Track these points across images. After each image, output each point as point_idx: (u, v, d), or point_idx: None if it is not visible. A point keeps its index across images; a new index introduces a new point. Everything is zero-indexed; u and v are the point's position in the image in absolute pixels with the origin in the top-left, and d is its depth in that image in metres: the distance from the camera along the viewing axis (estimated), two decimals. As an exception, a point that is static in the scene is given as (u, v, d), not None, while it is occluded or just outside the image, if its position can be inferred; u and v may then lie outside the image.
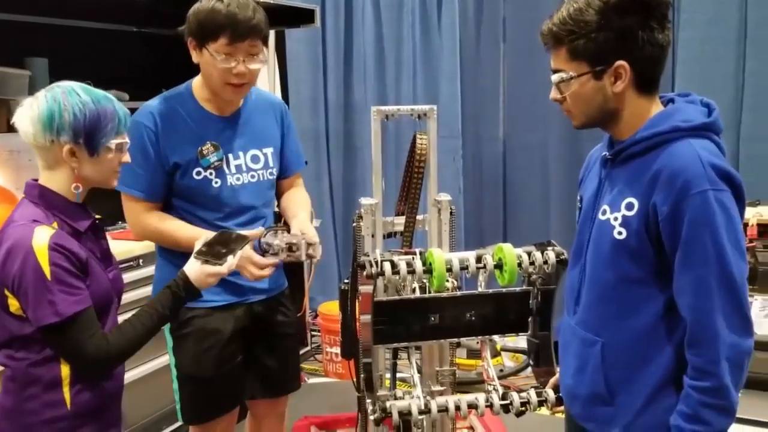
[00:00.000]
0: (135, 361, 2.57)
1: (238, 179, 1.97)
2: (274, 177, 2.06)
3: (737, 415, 1.31)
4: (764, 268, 2.35)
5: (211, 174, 1.94)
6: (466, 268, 1.71)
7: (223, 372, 2.01)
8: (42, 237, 1.39)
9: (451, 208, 2.30)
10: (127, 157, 1.55)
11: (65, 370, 1.46)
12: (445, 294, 1.83)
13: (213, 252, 1.63)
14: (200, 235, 1.76)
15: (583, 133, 3.68)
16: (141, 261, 2.58)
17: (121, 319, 1.56)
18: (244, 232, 1.79)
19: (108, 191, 1.70)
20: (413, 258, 1.71)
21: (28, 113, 1.43)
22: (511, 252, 1.68)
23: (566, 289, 1.53)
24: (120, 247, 2.64)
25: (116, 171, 1.54)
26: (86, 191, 1.53)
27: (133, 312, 1.53)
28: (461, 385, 2.52)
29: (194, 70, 2.03)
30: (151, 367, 2.65)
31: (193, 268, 1.59)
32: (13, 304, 1.43)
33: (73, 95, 1.44)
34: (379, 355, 2.26)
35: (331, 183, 4.41)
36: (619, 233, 1.33)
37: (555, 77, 1.37)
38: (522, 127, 3.94)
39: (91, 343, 1.43)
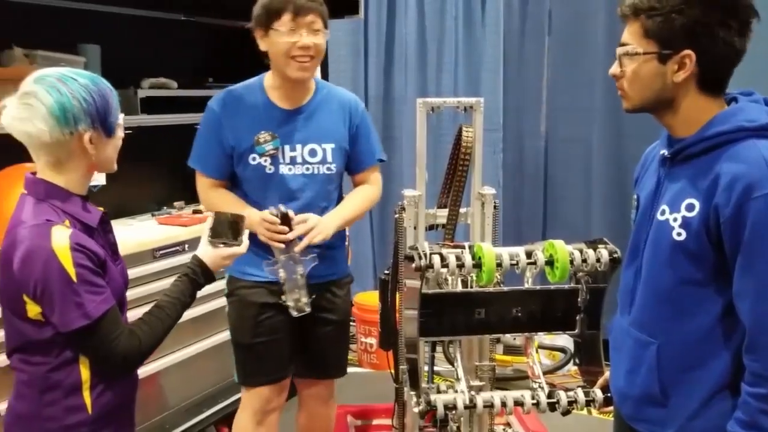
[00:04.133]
0: (171, 346, 2.61)
1: (290, 170, 2.06)
2: (333, 172, 2.12)
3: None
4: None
5: (265, 161, 2.04)
6: (516, 263, 1.70)
7: (262, 342, 2.11)
8: (61, 238, 1.33)
9: (494, 202, 2.29)
10: (121, 132, 1.49)
11: (85, 373, 1.42)
12: (492, 289, 1.82)
13: (224, 234, 1.63)
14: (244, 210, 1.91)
15: (628, 130, 3.68)
16: (186, 246, 2.61)
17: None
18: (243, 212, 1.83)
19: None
20: (462, 252, 1.71)
21: (31, 113, 1.33)
22: (563, 249, 1.67)
23: (620, 289, 1.51)
24: (167, 232, 2.69)
25: (118, 149, 1.49)
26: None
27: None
28: (498, 381, 2.52)
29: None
30: (193, 350, 2.68)
31: (207, 253, 1.58)
32: (33, 310, 1.36)
33: (70, 81, 1.37)
34: (419, 349, 2.26)
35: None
36: (679, 234, 1.31)
37: (620, 49, 1.35)
38: (565, 122, 3.89)
39: (121, 341, 1.40)
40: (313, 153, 2.08)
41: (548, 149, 3.97)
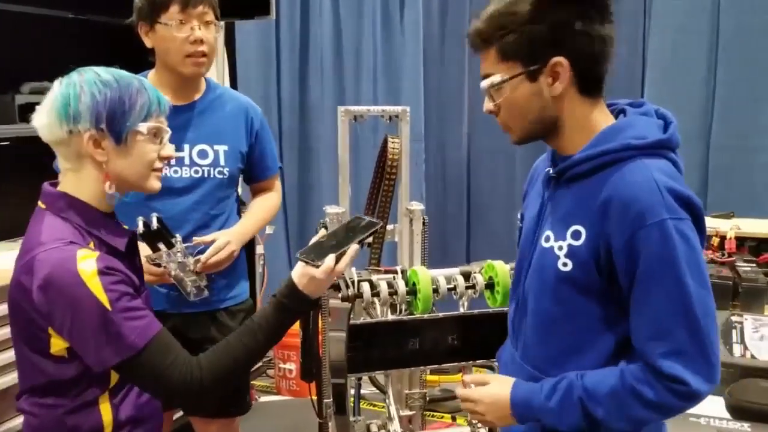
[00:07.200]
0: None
1: (176, 172, 1.86)
2: (225, 176, 1.92)
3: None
4: (747, 285, 2.25)
5: None
6: (454, 288, 1.53)
7: None
8: (88, 261, 1.14)
9: (423, 218, 2.15)
10: (168, 150, 1.30)
11: (107, 416, 1.25)
12: (427, 316, 1.64)
13: (309, 250, 1.29)
14: None
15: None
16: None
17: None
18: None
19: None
20: (394, 277, 1.52)
21: (43, 106, 1.21)
22: (504, 270, 1.52)
23: (508, 315, 1.36)
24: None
25: (152, 167, 1.27)
26: (119, 198, 1.27)
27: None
28: (429, 403, 2.37)
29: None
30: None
31: (297, 271, 1.27)
32: (57, 344, 1.19)
33: (91, 75, 1.23)
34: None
35: (284, 186, 4.15)
36: (564, 264, 1.17)
37: (485, 83, 1.19)
38: (487, 132, 3.78)
39: (175, 370, 1.19)
40: (203, 154, 1.89)
41: (471, 159, 3.86)
